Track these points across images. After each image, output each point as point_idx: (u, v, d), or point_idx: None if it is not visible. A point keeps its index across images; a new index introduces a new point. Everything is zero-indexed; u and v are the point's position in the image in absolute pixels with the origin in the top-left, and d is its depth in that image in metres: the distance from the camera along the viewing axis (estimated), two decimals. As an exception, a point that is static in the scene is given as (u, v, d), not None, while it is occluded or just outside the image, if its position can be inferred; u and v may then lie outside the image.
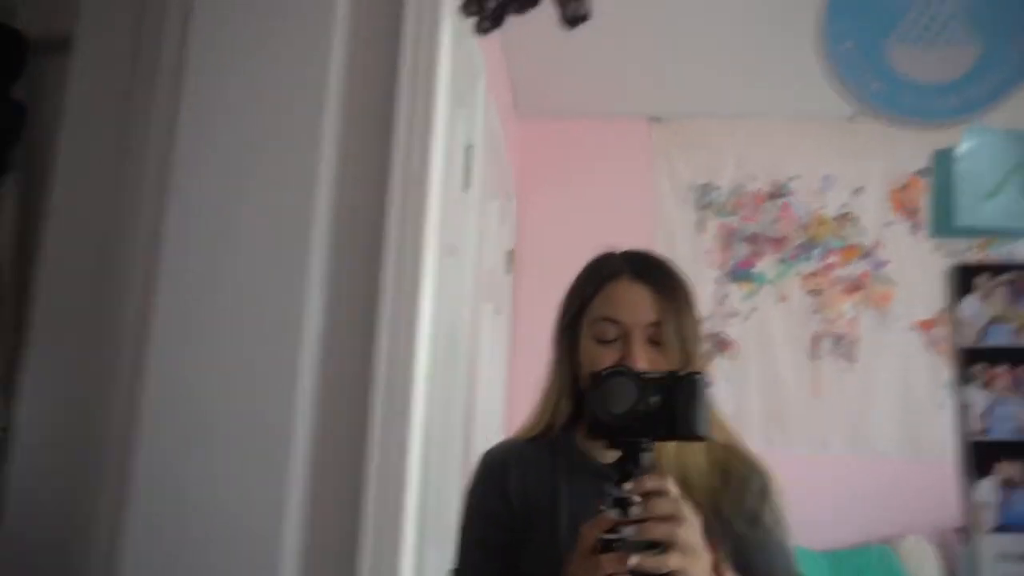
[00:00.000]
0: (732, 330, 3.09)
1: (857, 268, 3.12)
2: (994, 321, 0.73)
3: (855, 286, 3.11)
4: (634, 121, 3.18)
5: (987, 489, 0.74)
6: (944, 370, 3.03)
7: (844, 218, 3.15)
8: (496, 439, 1.24)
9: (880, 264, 3.12)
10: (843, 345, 3.08)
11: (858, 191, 3.15)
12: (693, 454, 1.05)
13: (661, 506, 0.84)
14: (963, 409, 0.77)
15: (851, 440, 3.03)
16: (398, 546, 0.85)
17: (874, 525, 2.96)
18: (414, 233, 0.91)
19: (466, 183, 1.86)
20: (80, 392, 0.87)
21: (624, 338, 1.04)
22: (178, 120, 0.87)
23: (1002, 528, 0.73)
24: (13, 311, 0.96)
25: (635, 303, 1.05)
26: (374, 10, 0.93)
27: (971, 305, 0.74)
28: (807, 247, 3.14)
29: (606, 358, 1.03)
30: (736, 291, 3.11)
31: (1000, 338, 0.74)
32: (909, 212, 3.13)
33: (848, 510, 2.93)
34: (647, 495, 0.85)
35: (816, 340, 3.09)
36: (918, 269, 3.08)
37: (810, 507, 2.45)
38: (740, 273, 3.12)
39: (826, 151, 3.15)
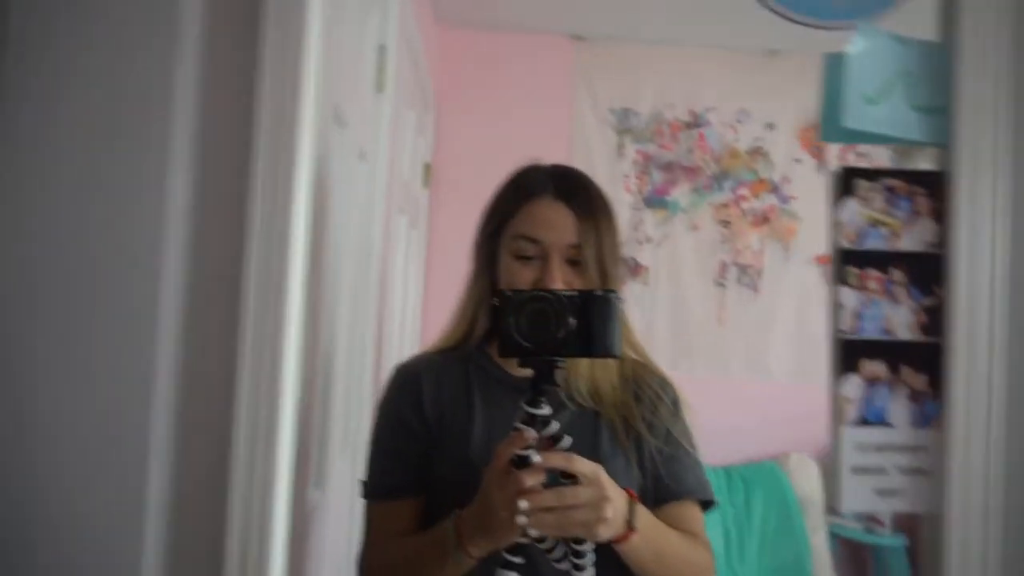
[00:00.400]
0: (644, 256, 3.17)
1: (765, 202, 3.24)
2: (871, 224, 0.77)
3: (762, 219, 3.23)
4: (557, 39, 3.13)
5: (852, 385, 0.79)
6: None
7: (756, 152, 3.24)
8: (410, 351, 1.24)
9: (786, 199, 3.24)
10: (748, 275, 3.22)
11: (770, 126, 3.24)
12: (605, 369, 1.08)
13: (585, 493, 0.85)
14: (836, 308, 0.81)
15: (749, 365, 3.20)
16: (274, 472, 0.83)
17: (763, 444, 3.17)
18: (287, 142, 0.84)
19: (379, 85, 1.80)
20: None
21: (543, 257, 1.03)
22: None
23: (863, 422, 0.79)
24: None
25: (556, 223, 1.04)
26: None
27: (850, 208, 0.78)
28: (720, 178, 3.22)
29: (524, 275, 1.04)
30: (650, 217, 3.18)
31: (875, 242, 0.78)
32: (815, 151, 3.24)
33: (742, 430, 3.12)
34: (574, 476, 0.86)
35: (723, 269, 3.21)
36: (820, 206, 3.22)
37: (708, 426, 2.57)
38: (655, 200, 3.18)
39: (743, 85, 3.20)
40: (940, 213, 0.82)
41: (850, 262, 0.80)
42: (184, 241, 0.81)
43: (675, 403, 1.12)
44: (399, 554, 1.02)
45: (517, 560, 0.90)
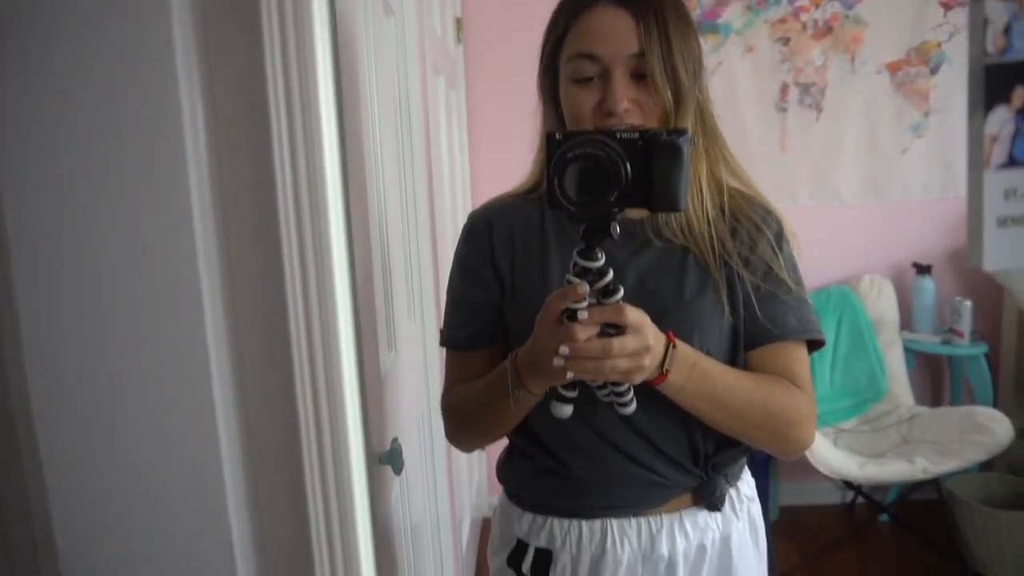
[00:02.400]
0: (697, 87, 2.99)
1: (827, 11, 2.97)
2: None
3: (825, 29, 2.98)
4: None
5: (998, 119, 0.62)
6: (909, 112, 3.01)
7: (815, -47, 2.93)
8: (463, 213, 1.21)
9: (851, 4, 2.96)
10: (811, 94, 3.01)
11: (831, -79, 2.91)
12: (698, 201, 1.00)
13: (630, 344, 0.83)
14: (978, 26, 0.63)
15: (816, 191, 3.07)
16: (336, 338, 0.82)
17: (834, 269, 3.10)
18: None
19: (396, -67, 1.68)
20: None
21: (604, 75, 0.92)
22: None
23: (1010, 163, 0.63)
24: None
25: (613, 32, 0.92)
26: None
27: None
28: (775, -10, 2.95)
29: (586, 100, 0.94)
30: (701, 45, 2.97)
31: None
32: (884, -58, 2.91)
33: (811, 258, 3.03)
34: (619, 328, 0.83)
35: (784, 91, 3.01)
36: (889, 4, 2.93)
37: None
38: (705, 25, 2.96)
39: None
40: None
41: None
42: (204, 127, 0.74)
43: (778, 236, 1.03)
44: (472, 395, 1.05)
45: (571, 395, 0.91)
